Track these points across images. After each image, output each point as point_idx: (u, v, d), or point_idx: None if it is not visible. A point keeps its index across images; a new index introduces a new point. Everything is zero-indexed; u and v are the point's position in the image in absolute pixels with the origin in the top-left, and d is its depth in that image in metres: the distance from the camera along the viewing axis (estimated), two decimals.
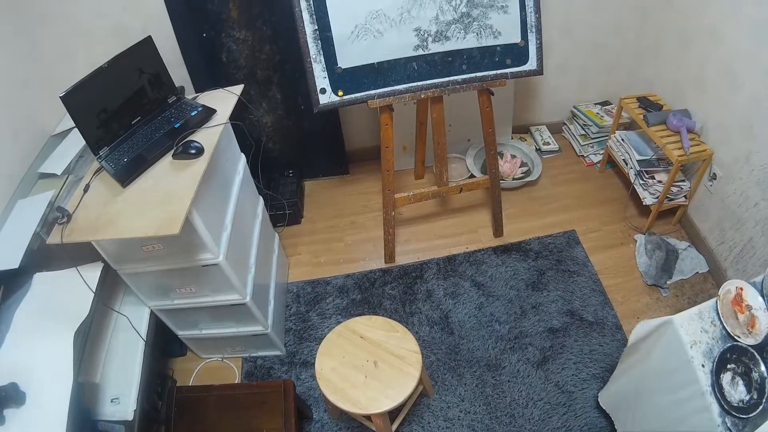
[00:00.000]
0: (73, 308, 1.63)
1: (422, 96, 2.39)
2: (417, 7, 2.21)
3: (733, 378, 1.65)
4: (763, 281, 1.85)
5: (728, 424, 1.57)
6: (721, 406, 1.59)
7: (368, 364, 1.87)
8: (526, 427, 2.35)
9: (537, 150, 3.68)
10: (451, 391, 2.48)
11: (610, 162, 3.48)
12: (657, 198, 3.02)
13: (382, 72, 2.30)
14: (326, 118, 3.20)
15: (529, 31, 2.42)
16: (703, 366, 1.65)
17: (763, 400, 1.58)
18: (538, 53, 2.46)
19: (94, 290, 1.67)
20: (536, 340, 2.65)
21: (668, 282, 2.90)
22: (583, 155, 3.72)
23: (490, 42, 2.35)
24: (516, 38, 2.39)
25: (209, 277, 1.98)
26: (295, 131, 3.28)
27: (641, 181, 3.10)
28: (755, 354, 1.68)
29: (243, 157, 2.44)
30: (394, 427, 2.20)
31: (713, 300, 1.79)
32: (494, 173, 2.82)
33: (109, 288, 2.03)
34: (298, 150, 3.40)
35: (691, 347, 1.68)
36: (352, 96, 2.30)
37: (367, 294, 2.86)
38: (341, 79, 2.26)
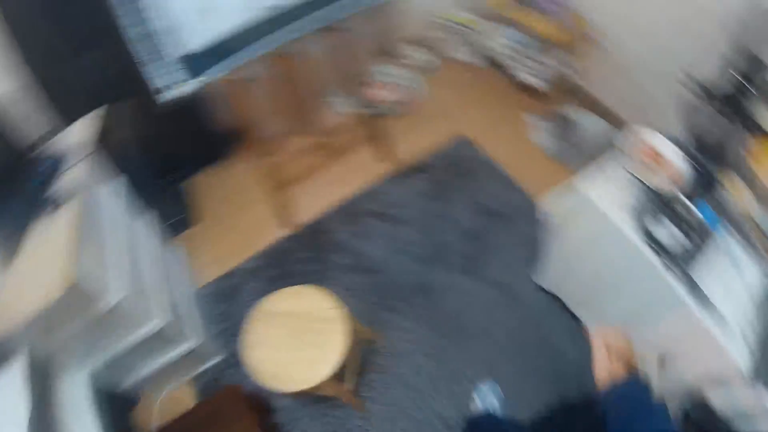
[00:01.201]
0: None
1: (273, 54, 2.28)
2: None
3: (666, 225, 1.75)
4: (665, 123, 1.97)
5: (676, 272, 1.68)
6: (658, 254, 1.70)
7: (295, 338, 1.84)
8: (477, 333, 2.50)
9: (414, 68, 3.67)
10: (393, 328, 2.56)
11: (490, 60, 3.58)
12: (542, 78, 3.18)
13: (230, 44, 2.13)
14: (189, 109, 2.94)
15: None
16: (627, 224, 1.77)
17: (702, 238, 1.70)
18: None
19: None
20: (457, 247, 2.78)
21: (574, 151, 3.07)
22: (461, 60, 3.78)
23: None
24: None
25: (123, 316, 1.92)
26: (165, 134, 2.96)
27: (521, 66, 3.25)
28: (680, 196, 1.76)
29: (118, 183, 2.33)
30: (352, 384, 2.25)
31: (618, 153, 1.90)
32: (367, 105, 2.84)
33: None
34: (175, 151, 3.17)
35: (609, 211, 1.79)
36: (205, 76, 2.12)
37: (279, 267, 2.83)
38: (190, 65, 2.07)
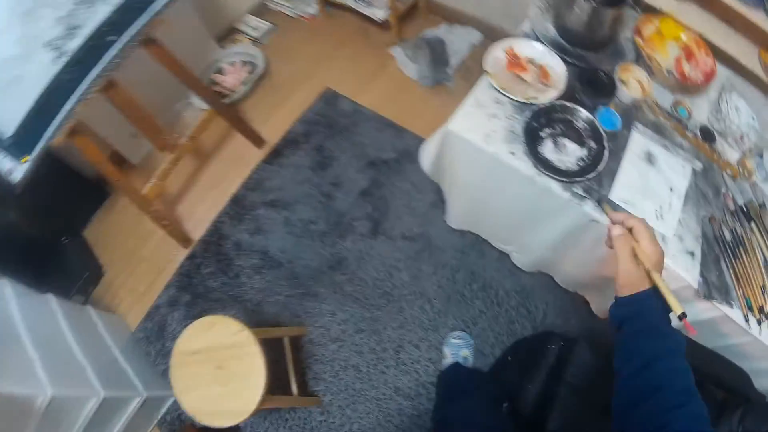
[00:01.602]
0: None
1: (92, 95, 1.88)
2: (31, 25, 1.71)
3: (556, 142, 1.54)
4: (532, 26, 1.74)
5: (578, 191, 1.48)
6: (558, 179, 1.48)
7: (218, 372, 1.72)
8: (406, 294, 2.28)
9: (254, 41, 3.19)
10: (320, 314, 2.30)
11: (330, 4, 3.18)
12: (388, 8, 2.79)
13: (46, 106, 1.83)
14: (53, 168, 2.47)
15: None
16: (513, 154, 1.52)
17: (603, 144, 1.52)
18: None
19: None
20: (358, 211, 2.49)
21: (449, 71, 2.77)
22: (299, 15, 3.32)
23: None
24: None
25: (61, 409, 1.72)
26: (39, 203, 2.52)
27: (363, 2, 2.87)
28: (566, 104, 1.56)
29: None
30: (296, 387, 2.05)
31: (484, 79, 1.63)
32: (214, 101, 2.44)
33: None
34: (58, 212, 2.71)
35: (488, 144, 1.53)
36: (38, 150, 1.82)
37: (192, 290, 2.48)
38: (16, 145, 1.80)
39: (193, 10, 2.79)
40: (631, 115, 1.63)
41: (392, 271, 2.32)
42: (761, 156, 1.64)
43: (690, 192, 1.56)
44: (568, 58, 1.68)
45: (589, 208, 1.48)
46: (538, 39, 1.71)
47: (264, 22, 3.24)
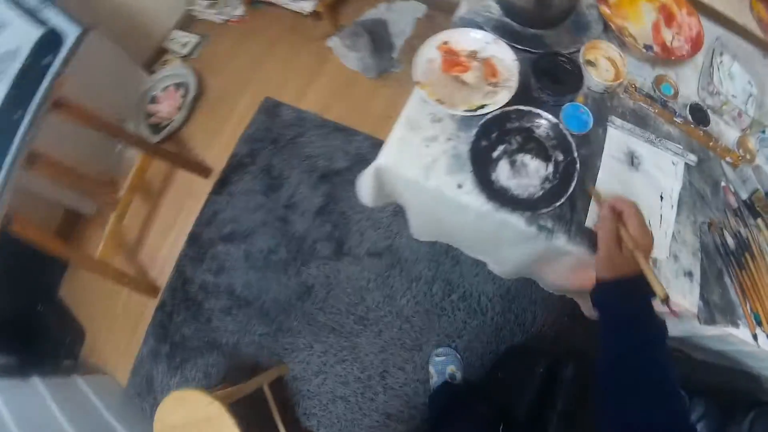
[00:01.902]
0: None
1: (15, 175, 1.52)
2: None
3: (513, 162, 1.07)
4: (470, 8, 1.23)
5: (546, 224, 1.04)
6: (518, 212, 1.03)
7: None
8: (381, 316, 1.89)
9: (184, 59, 2.57)
10: (296, 349, 1.92)
11: (257, 1, 2.57)
12: None
13: None
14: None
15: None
16: (460, 187, 1.06)
17: (573, 154, 1.05)
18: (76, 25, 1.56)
19: None
20: (316, 233, 2.04)
21: (395, 55, 2.23)
22: (227, 19, 2.66)
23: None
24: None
25: None
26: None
27: None
28: (521, 109, 1.08)
29: None
30: (282, 425, 1.71)
31: (415, 92, 1.14)
32: (144, 145, 1.96)
33: None
34: (23, 285, 2.23)
35: (429, 178, 1.07)
36: None
37: (168, 339, 2.08)
38: None
39: (113, 43, 2.22)
40: (604, 106, 1.14)
41: (364, 294, 1.91)
42: (763, 131, 1.14)
43: (684, 195, 1.11)
44: (518, 45, 1.19)
45: (562, 242, 1.04)
46: (479, 26, 1.21)
47: (191, 35, 2.62)
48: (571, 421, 1.26)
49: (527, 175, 1.08)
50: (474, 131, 1.10)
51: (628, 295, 0.73)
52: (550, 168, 1.08)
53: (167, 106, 2.39)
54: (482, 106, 1.12)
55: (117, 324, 2.20)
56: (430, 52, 1.20)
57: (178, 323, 2.06)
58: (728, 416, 1.22)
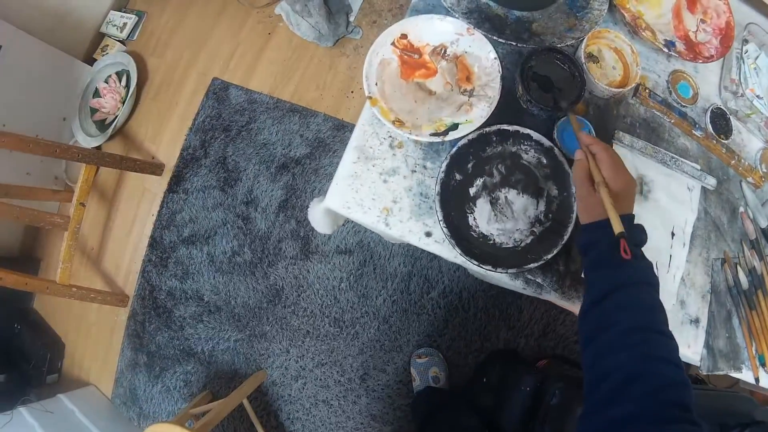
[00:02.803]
0: None
1: None
2: None
3: (494, 201, 0.79)
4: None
5: (536, 278, 0.78)
6: (501, 271, 0.75)
7: None
8: (357, 317, 1.64)
9: (124, 42, 2.09)
10: (272, 354, 1.68)
11: None
12: None
13: None
14: None
15: None
16: (429, 235, 0.79)
17: (569, 189, 0.77)
18: None
19: None
20: (280, 231, 1.72)
21: (352, 18, 1.80)
22: None
23: None
24: None
25: None
26: None
27: None
28: (504, 129, 0.78)
29: None
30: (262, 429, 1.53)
31: (366, 110, 0.82)
32: (84, 156, 1.57)
33: None
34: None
35: (390, 224, 0.79)
36: None
37: (144, 349, 1.81)
38: None
39: (45, 43, 1.82)
40: (609, 116, 0.82)
41: (337, 294, 1.65)
42: None
43: (698, 227, 0.86)
44: (498, 36, 0.84)
45: (552, 297, 0.81)
46: (447, 11, 0.85)
47: (128, 14, 2.11)
48: None
49: (512, 216, 0.79)
50: (444, 163, 0.76)
51: (604, 237, 0.62)
52: (542, 206, 0.78)
53: (111, 100, 1.97)
54: (454, 127, 0.80)
55: (93, 333, 1.95)
56: (383, 52, 0.85)
57: (151, 332, 1.81)
58: None
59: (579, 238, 0.67)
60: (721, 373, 0.85)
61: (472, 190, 0.80)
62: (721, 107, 0.88)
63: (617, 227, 0.60)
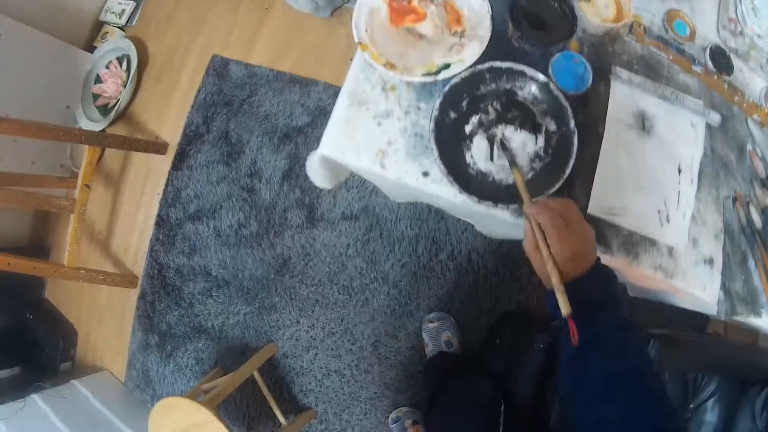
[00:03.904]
0: None
1: None
2: None
3: (491, 137, 0.80)
4: None
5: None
6: (501, 205, 0.77)
7: None
8: (366, 283, 1.67)
9: (123, 28, 2.15)
10: (282, 326, 1.73)
11: None
12: None
13: None
14: None
15: None
16: (426, 175, 0.80)
17: (568, 122, 0.77)
18: None
19: None
20: (285, 200, 1.76)
21: None
22: None
23: None
24: None
25: None
26: None
27: None
28: (497, 66, 0.79)
29: None
30: (284, 415, 1.59)
31: (357, 56, 0.84)
32: (88, 137, 1.67)
33: None
34: (7, 298, 1.99)
35: (385, 167, 0.81)
36: None
37: (155, 329, 1.87)
38: None
39: (44, 33, 1.88)
40: (605, 54, 0.83)
41: (344, 261, 1.68)
42: None
43: (705, 164, 0.85)
44: None
45: None
46: None
47: (126, 0, 2.17)
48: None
49: (511, 153, 0.78)
50: (437, 101, 0.78)
51: (574, 297, 0.61)
52: (540, 141, 0.80)
53: (112, 84, 2.02)
54: (446, 66, 0.81)
55: (105, 318, 2.02)
56: (371, 1, 0.86)
57: (161, 311, 1.87)
58: (741, 393, 1.09)
59: (546, 300, 0.68)
60: (740, 318, 0.85)
61: (467, 128, 0.82)
62: (721, 45, 0.88)
63: (564, 308, 0.61)
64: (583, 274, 0.63)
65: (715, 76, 0.86)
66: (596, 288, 0.65)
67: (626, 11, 0.81)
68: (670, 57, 0.83)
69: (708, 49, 0.88)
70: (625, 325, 0.63)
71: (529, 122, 0.81)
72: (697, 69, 0.84)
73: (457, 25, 0.86)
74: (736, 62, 0.89)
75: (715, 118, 0.86)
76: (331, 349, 1.69)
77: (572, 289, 0.62)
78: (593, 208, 0.79)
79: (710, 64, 0.86)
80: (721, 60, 0.87)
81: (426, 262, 1.63)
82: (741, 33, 0.85)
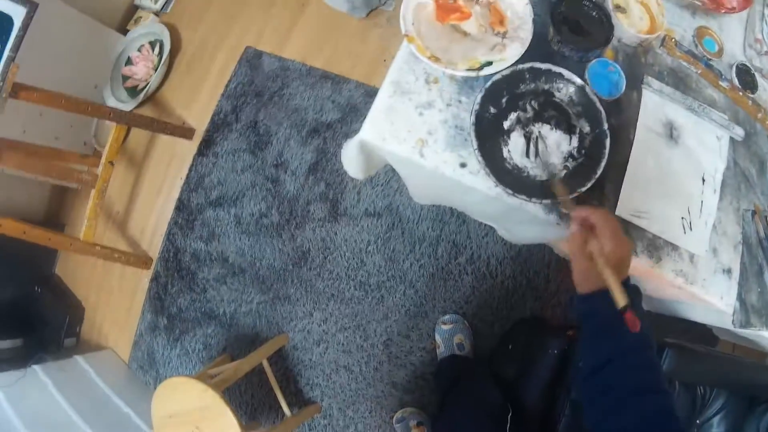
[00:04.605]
0: None
1: None
2: None
3: (528, 135, 0.88)
4: None
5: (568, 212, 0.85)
6: (536, 201, 0.84)
7: None
8: (383, 281, 1.73)
9: (157, 14, 2.24)
10: (295, 317, 1.79)
11: None
12: None
13: None
14: None
15: None
16: (464, 166, 0.87)
17: (602, 125, 0.85)
18: None
19: None
20: (309, 193, 1.84)
21: None
22: None
23: None
24: None
25: None
26: None
27: None
28: (537, 66, 0.87)
29: None
30: (288, 407, 1.63)
31: (403, 47, 0.92)
32: (116, 116, 1.74)
33: None
34: (18, 269, 2.08)
35: (424, 155, 0.88)
36: None
37: (165, 312, 1.94)
38: None
39: (76, 10, 1.95)
40: (638, 64, 0.90)
41: (363, 257, 1.76)
42: None
43: (728, 176, 0.93)
44: None
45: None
46: None
47: None
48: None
49: (546, 150, 0.87)
50: (479, 96, 0.86)
51: (604, 307, 0.67)
52: (575, 142, 0.88)
53: (143, 67, 2.13)
54: (488, 64, 0.90)
55: (114, 298, 2.10)
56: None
57: (173, 295, 1.95)
58: (748, 411, 1.15)
59: (578, 306, 0.73)
60: (753, 329, 0.90)
61: (506, 124, 0.90)
62: (747, 64, 0.97)
63: (621, 300, 0.65)
64: (624, 280, 0.69)
65: (741, 93, 0.94)
66: (634, 292, 0.70)
67: (659, 24, 0.89)
68: (699, 71, 0.91)
69: (735, 67, 0.96)
70: (650, 342, 0.68)
71: (564, 122, 0.90)
72: (724, 84, 0.92)
73: (500, 26, 0.95)
74: (761, 81, 0.97)
75: (740, 132, 0.93)
76: (342, 345, 1.75)
77: (608, 296, 0.67)
78: (621, 210, 0.87)
79: (736, 81, 0.94)
80: (747, 78, 0.95)
81: (444, 264, 1.70)
82: (766, 53, 0.94)
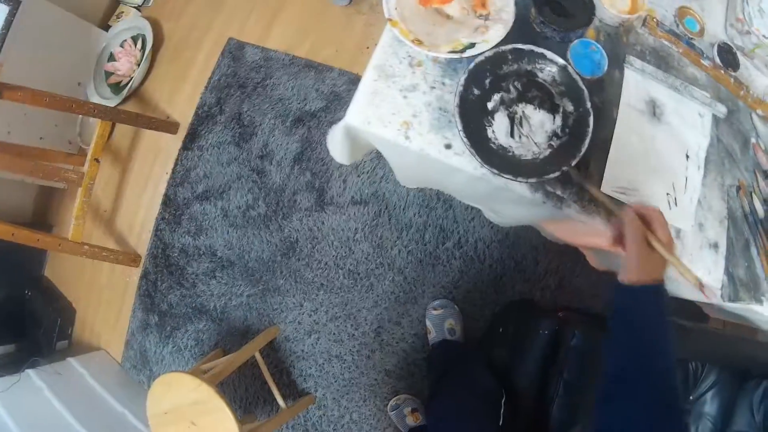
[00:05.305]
0: None
1: None
2: None
3: (512, 115, 0.88)
4: None
5: (555, 190, 0.87)
6: (521, 180, 0.85)
7: (192, 428, 1.35)
8: (372, 268, 1.73)
9: (139, 8, 2.21)
10: (285, 309, 1.79)
11: None
12: None
13: None
14: None
15: None
16: (449, 147, 0.87)
17: (585, 104, 0.85)
18: None
19: None
20: (295, 183, 1.83)
21: None
22: None
23: None
24: None
25: None
26: None
27: None
28: (519, 47, 0.87)
29: None
30: (283, 399, 1.62)
31: (387, 31, 0.92)
32: (99, 112, 1.71)
33: None
34: (6, 274, 2.05)
35: (409, 138, 0.88)
36: None
37: (156, 309, 1.93)
38: None
39: (61, 9, 1.94)
40: (620, 44, 0.90)
41: (351, 245, 1.76)
42: None
43: (711, 153, 0.94)
44: None
45: (572, 211, 0.88)
46: None
47: None
48: (577, 393, 1.17)
49: (530, 130, 0.87)
50: (462, 77, 0.86)
51: (652, 302, 0.68)
52: (558, 121, 0.88)
53: (126, 63, 2.09)
54: (471, 46, 0.89)
55: (104, 297, 2.08)
56: None
57: (163, 291, 1.93)
58: (740, 386, 1.17)
59: (625, 295, 0.71)
60: (742, 303, 0.91)
61: (489, 105, 0.90)
62: (728, 42, 0.97)
63: (692, 278, 0.69)
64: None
65: (722, 71, 0.94)
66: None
67: (640, 4, 0.89)
68: (681, 50, 0.92)
69: (716, 46, 0.96)
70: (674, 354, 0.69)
71: (547, 102, 0.89)
72: (706, 63, 0.92)
73: (482, 9, 0.94)
74: (742, 59, 0.98)
75: (722, 109, 0.94)
76: (334, 334, 1.75)
77: (654, 291, 0.69)
78: (606, 186, 0.87)
79: (718, 59, 0.95)
80: (728, 56, 0.96)
81: (432, 250, 1.70)
82: (747, 32, 0.94)
